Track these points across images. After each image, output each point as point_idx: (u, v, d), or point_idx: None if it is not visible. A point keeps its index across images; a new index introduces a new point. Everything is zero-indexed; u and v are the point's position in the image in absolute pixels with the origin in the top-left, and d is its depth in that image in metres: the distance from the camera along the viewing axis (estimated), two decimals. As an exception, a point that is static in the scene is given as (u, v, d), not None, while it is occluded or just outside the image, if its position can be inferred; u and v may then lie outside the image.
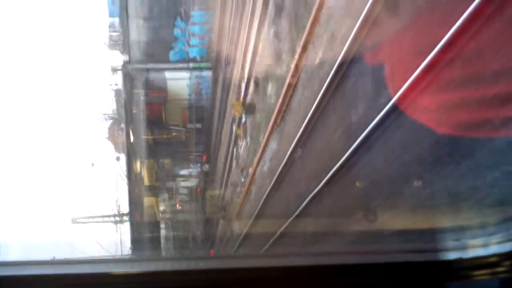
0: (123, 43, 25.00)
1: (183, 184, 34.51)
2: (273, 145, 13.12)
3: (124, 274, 2.00)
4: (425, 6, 5.46)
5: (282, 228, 11.33)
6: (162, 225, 32.02)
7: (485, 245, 2.05)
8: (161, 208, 32.95)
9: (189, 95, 27.30)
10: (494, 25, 4.24)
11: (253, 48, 14.91)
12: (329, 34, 8.46)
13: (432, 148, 5.19)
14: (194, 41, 25.99)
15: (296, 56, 10.03)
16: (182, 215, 34.96)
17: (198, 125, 28.01)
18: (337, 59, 7.78)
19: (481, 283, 2.02)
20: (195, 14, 25.89)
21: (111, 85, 26.20)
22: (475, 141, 4.56)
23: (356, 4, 7.19)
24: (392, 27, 6.33)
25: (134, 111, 25.73)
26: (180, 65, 25.97)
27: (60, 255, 2.26)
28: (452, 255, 2.05)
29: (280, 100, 11.52)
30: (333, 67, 7.96)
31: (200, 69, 26.01)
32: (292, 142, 10.55)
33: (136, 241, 25.18)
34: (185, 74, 26.57)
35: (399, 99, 5.75)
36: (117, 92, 25.94)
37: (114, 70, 25.22)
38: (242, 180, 18.04)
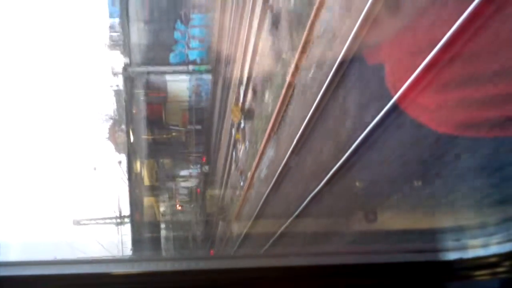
0: (123, 46, 25.29)
1: (183, 184, 34.62)
2: (270, 152, 13.37)
3: (124, 274, 2.00)
4: (426, 4, 5.46)
5: (282, 229, 11.39)
6: (163, 226, 32.13)
7: (485, 245, 2.05)
8: (161, 208, 33.04)
9: (189, 96, 27.51)
10: (495, 24, 4.24)
11: (253, 48, 15.00)
12: (324, 44, 8.59)
13: (432, 147, 5.19)
14: (194, 43, 26.25)
15: (296, 56, 10.07)
16: (182, 215, 35.02)
17: (198, 127, 28.24)
18: (333, 65, 7.91)
19: (481, 283, 2.02)
20: (195, 17, 26.14)
21: (111, 86, 26.59)
22: (475, 141, 4.56)
23: (356, 4, 7.20)
24: (392, 26, 6.33)
25: (134, 111, 25.87)
26: (180, 68, 26.21)
27: (61, 256, 2.26)
28: (452, 255, 2.05)
29: (278, 104, 11.62)
30: (328, 75, 8.12)
31: (200, 71, 26.26)
32: (289, 148, 10.69)
33: (137, 242, 25.29)
34: (185, 76, 26.80)
35: (399, 98, 5.75)
36: (118, 93, 26.13)
37: (115, 73, 25.56)
38: (241, 183, 18.23)
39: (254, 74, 15.40)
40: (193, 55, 26.27)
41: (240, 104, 17.45)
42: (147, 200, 29.24)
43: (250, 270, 2.05)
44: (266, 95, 13.62)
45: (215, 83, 24.89)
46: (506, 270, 1.96)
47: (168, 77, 26.62)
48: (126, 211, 26.65)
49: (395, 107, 5.92)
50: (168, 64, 26.07)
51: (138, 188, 27.35)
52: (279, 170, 11.74)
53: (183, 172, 34.29)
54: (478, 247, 2.06)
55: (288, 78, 10.63)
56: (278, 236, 11.74)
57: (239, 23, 16.88)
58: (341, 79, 7.85)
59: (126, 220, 26.77)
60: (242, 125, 17.60)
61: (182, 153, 30.81)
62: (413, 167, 5.75)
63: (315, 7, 8.90)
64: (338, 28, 8.03)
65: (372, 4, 6.52)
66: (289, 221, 10.79)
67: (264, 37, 13.81)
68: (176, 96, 27.17)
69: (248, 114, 16.61)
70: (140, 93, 26.18)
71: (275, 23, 12.30)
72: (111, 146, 29.43)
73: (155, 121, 27.30)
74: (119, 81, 25.59)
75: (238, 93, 17.81)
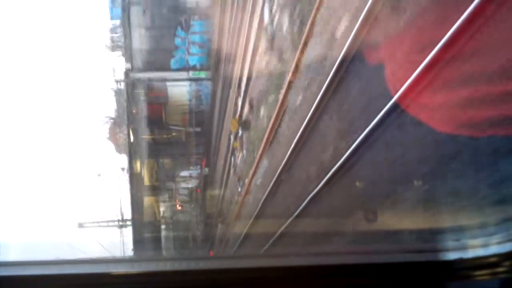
0: (125, 52, 25.74)
1: (183, 185, 34.82)
2: (265, 163, 13.85)
3: (124, 274, 2.00)
4: (426, 3, 5.46)
5: (280, 230, 11.53)
6: (163, 226, 32.27)
7: (485, 245, 2.05)
8: (162, 208, 33.16)
9: (189, 100, 28.03)
10: (496, 23, 4.23)
11: (252, 51, 15.26)
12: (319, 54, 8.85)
13: (433, 147, 5.20)
14: (194, 49, 26.77)
15: (296, 55, 10.10)
16: (182, 215, 35.13)
17: (198, 129, 28.75)
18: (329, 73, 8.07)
19: (481, 283, 2.02)
20: (195, 24, 26.69)
21: (113, 89, 27.06)
22: (475, 141, 4.56)
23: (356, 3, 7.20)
24: (392, 25, 6.33)
25: (134, 110, 26.14)
26: (180, 74, 26.76)
27: (62, 256, 2.26)
28: (452, 255, 2.05)
29: (277, 108, 11.74)
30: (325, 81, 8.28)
31: (200, 76, 26.77)
32: (286, 155, 10.91)
33: (138, 242, 25.46)
34: (185, 81, 27.35)
35: (400, 98, 5.75)
36: (119, 96, 26.45)
37: (118, 81, 26.17)
38: (239, 189, 18.58)
39: (253, 74, 15.66)
40: (193, 60, 26.77)
41: (237, 115, 18.01)
42: (147, 200, 29.43)
43: (250, 270, 2.05)
44: (265, 104, 13.91)
45: (214, 86, 25.39)
46: (506, 270, 1.96)
47: (168, 82, 27.21)
48: (128, 214, 27.17)
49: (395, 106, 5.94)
50: (169, 69, 26.62)
51: (138, 188, 27.55)
52: (274, 177, 12.11)
53: (183, 173, 34.51)
54: (478, 247, 2.06)
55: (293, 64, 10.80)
56: (275, 238, 11.87)
57: (240, 22, 17.04)
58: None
59: (128, 223, 27.29)
60: (240, 133, 18.05)
61: (182, 154, 31.09)
62: (412, 167, 5.76)
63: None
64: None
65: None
66: (287, 223, 11.00)
67: (263, 36, 14.01)
68: (177, 100, 27.74)
69: (245, 124, 17.10)
70: (141, 96, 26.66)
71: (271, 42, 12.79)
72: (112, 147, 29.80)
73: (155, 123, 27.70)
74: (121, 85, 26.17)
75: (236, 104, 18.26)
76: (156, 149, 29.48)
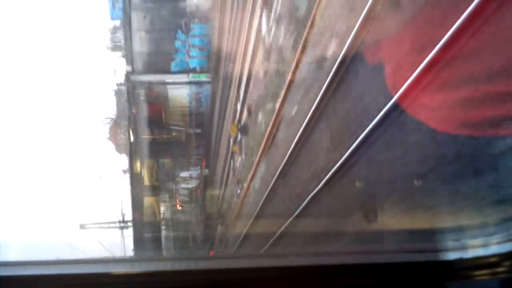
0: (126, 55, 26.16)
1: (183, 185, 34.92)
2: (262, 168, 14.25)
3: (124, 274, 2.00)
4: (426, 2, 5.46)
5: (279, 231, 11.58)
6: (163, 226, 32.35)
7: (485, 245, 2.05)
8: (162, 208, 33.24)
9: (189, 102, 28.35)
10: (496, 22, 4.23)
11: (251, 53, 15.39)
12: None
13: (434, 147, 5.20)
14: (194, 52, 27.02)
15: (297, 55, 10.12)
16: (182, 216, 35.20)
17: (198, 130, 29.04)
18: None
19: (481, 283, 2.02)
20: (195, 27, 26.96)
21: (114, 90, 27.39)
22: (475, 140, 4.56)
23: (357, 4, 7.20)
24: (392, 24, 6.33)
25: (134, 111, 26.30)
26: (181, 77, 26.97)
27: (62, 256, 2.26)
28: (452, 255, 2.05)
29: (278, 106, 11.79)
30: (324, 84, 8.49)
31: (200, 79, 27.04)
32: (287, 153, 11.05)
33: (138, 242, 25.56)
34: (185, 82, 27.57)
35: (400, 98, 5.74)
36: (120, 97, 26.64)
37: (119, 84, 26.50)
38: (238, 191, 18.81)
39: (251, 79, 15.96)
40: (193, 63, 27.04)
41: (236, 121, 18.26)
42: (147, 200, 29.53)
43: (250, 270, 2.05)
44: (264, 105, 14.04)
45: (214, 89, 25.66)
46: (506, 270, 1.96)
47: (169, 84, 27.46)
48: (129, 214, 27.44)
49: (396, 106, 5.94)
50: (169, 71, 26.90)
51: (139, 188, 27.68)
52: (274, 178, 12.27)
53: (183, 174, 34.66)
54: (478, 247, 2.06)
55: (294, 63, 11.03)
56: (274, 239, 11.93)
57: (238, 31, 17.24)
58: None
59: (129, 224, 27.55)
60: (239, 138, 18.31)
61: (182, 155, 31.26)
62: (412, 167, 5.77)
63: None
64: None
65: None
66: (285, 224, 11.10)
67: (261, 38, 14.18)
68: (177, 101, 28.11)
69: (243, 129, 17.33)
70: (141, 97, 26.95)
71: (268, 54, 13.11)
72: (112, 147, 30.01)
73: (155, 122, 27.99)
74: (122, 87, 26.46)
75: (237, 99, 18.37)
76: (156, 149, 29.60)
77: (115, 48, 27.81)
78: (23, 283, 1.91)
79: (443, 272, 2.01)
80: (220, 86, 23.11)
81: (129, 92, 25.56)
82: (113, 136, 29.46)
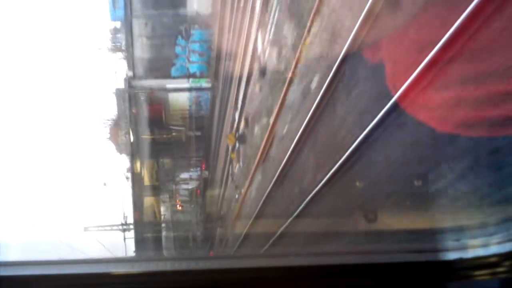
0: (127, 60, 26.68)
1: (183, 186, 35.08)
2: (259, 176, 14.70)
3: (124, 274, 2.00)
4: (427, 2, 5.46)
5: (278, 232, 11.60)
6: (163, 226, 32.45)
7: (485, 245, 2.04)
8: (162, 208, 33.32)
9: (189, 106, 28.75)
10: (496, 22, 4.23)
11: (249, 62, 15.67)
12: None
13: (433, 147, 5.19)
14: (194, 57, 27.36)
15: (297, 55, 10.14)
16: (182, 216, 35.27)
17: (198, 133, 29.44)
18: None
19: (481, 283, 2.02)
20: (195, 33, 27.32)
21: (115, 93, 27.60)
22: (476, 140, 4.56)
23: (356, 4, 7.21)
24: (393, 24, 6.33)
25: (134, 111, 26.44)
26: (181, 80, 27.37)
27: (62, 256, 2.26)
28: (452, 255, 2.04)
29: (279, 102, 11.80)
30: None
31: (200, 84, 27.40)
32: (285, 155, 11.20)
33: (139, 242, 25.66)
34: (186, 88, 27.99)
35: (400, 97, 5.74)
36: (121, 99, 26.80)
37: (120, 89, 26.87)
38: (236, 196, 19.18)
39: (250, 85, 16.21)
40: (193, 68, 27.38)
41: (234, 130, 18.63)
42: (147, 200, 29.64)
43: (250, 270, 2.05)
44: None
45: (214, 93, 25.96)
46: (506, 270, 1.96)
47: (169, 89, 27.87)
48: (130, 216, 27.75)
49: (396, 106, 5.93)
50: (170, 76, 27.29)
51: (139, 189, 27.81)
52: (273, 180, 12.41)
53: (184, 175, 34.85)
54: (478, 247, 2.05)
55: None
56: (273, 241, 11.95)
57: (239, 31, 17.27)
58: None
59: (131, 227, 27.98)
60: (237, 146, 18.64)
61: (183, 156, 31.51)
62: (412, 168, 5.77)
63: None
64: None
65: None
66: (281, 229, 11.26)
67: (260, 42, 14.41)
68: (177, 105, 28.58)
69: (241, 138, 17.68)
70: (142, 101, 27.30)
71: (263, 72, 13.65)
72: (113, 147, 30.18)
73: (155, 123, 28.36)
74: (124, 91, 26.78)
75: (235, 108, 18.72)
76: (156, 149, 29.78)
77: (115, 49, 27.91)
78: (23, 283, 1.91)
79: (443, 272, 2.01)
80: (220, 90, 23.42)
81: (130, 96, 26.01)
82: (114, 136, 29.62)
